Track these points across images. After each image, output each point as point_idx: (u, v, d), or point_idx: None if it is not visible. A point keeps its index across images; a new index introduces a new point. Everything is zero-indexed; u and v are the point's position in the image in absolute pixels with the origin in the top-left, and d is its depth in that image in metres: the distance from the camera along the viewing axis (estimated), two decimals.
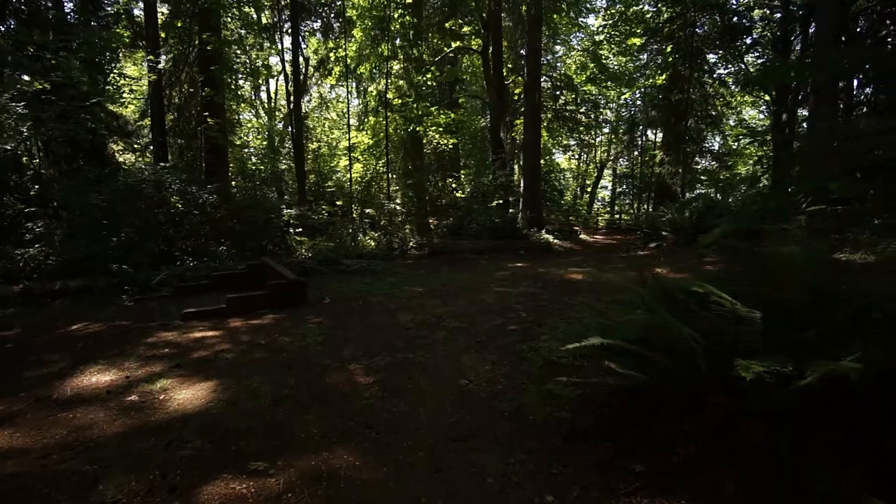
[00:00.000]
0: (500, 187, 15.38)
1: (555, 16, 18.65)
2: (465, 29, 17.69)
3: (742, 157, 23.76)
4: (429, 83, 17.13)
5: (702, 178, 20.85)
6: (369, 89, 19.44)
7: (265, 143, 21.42)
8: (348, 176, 18.24)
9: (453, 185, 17.42)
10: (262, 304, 6.30)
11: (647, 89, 22.83)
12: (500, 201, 15.05)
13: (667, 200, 17.18)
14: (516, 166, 21.17)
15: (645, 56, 22.10)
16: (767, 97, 19.54)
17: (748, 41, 18.60)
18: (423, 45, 16.86)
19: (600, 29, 21.49)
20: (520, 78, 19.75)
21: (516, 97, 20.53)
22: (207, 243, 10.15)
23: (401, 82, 16.89)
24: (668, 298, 2.35)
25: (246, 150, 20.14)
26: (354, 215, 16.22)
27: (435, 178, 19.04)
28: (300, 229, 12.16)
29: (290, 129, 18.75)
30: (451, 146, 18.85)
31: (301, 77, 19.19)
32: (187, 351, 4.65)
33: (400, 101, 16.42)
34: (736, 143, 23.63)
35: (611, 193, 28.72)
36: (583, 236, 16.22)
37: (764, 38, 18.14)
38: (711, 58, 19.41)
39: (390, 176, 17.04)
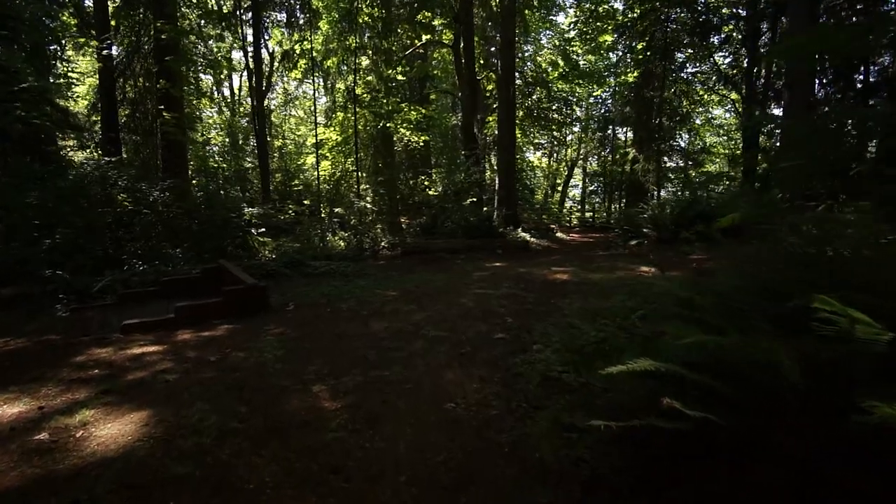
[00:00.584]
0: (473, 184, 14.87)
1: (527, 11, 18.28)
2: (436, 22, 17.11)
3: (711, 154, 23.93)
4: (399, 78, 16.52)
5: (670, 175, 20.86)
6: (337, 84, 18.72)
7: (228, 139, 20.44)
8: (316, 174, 17.48)
9: (425, 183, 16.83)
10: (217, 313, 5.60)
11: (618, 87, 22.73)
12: (474, 199, 14.55)
13: (644, 197, 17.02)
14: (487, 164, 20.77)
15: (614, 55, 22.00)
16: (735, 95, 19.64)
17: (716, 40, 18.66)
18: (393, 39, 16.22)
19: (571, 26, 21.28)
20: (492, 74, 19.34)
21: (488, 94, 20.10)
22: (160, 245, 9.30)
23: (370, 77, 16.23)
24: (724, 308, 1.86)
25: (207, 147, 19.12)
26: (323, 215, 15.51)
27: (406, 176, 18.43)
28: (263, 229, 11.38)
29: (254, 125, 17.86)
30: (422, 143, 18.27)
31: (265, 69, 18.32)
32: (121, 372, 3.95)
33: (369, 97, 15.76)
34: (702, 142, 23.81)
35: (581, 192, 28.62)
36: (559, 234, 15.87)
37: (733, 36, 18.18)
38: (680, 57, 19.38)
39: (360, 174, 16.36)
